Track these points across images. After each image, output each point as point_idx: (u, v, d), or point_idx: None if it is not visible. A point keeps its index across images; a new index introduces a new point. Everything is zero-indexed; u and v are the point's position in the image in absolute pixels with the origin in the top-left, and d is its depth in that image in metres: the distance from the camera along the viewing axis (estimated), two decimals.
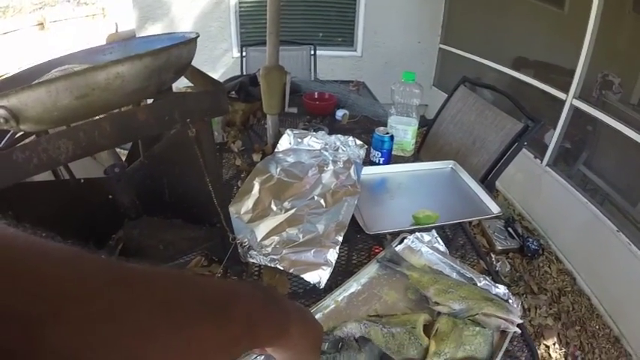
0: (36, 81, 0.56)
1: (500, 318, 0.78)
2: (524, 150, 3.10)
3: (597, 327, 2.24)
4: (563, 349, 2.10)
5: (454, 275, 0.95)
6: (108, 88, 0.57)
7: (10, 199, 0.66)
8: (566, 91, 2.82)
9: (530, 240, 2.70)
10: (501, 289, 0.89)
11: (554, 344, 2.12)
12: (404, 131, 1.56)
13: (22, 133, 0.67)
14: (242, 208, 1.21)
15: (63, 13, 8.32)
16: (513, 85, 3.50)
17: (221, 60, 4.58)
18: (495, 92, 2.03)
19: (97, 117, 0.63)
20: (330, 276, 0.97)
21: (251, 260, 1.03)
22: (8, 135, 0.69)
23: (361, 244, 1.12)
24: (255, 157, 1.57)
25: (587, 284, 2.50)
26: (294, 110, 1.58)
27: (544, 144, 3.04)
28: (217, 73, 4.49)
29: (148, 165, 0.98)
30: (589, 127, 2.83)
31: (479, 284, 0.90)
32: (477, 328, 0.78)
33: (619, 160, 2.67)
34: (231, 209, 1.21)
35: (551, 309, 2.34)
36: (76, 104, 0.55)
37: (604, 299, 2.36)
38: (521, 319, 0.82)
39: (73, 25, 8.24)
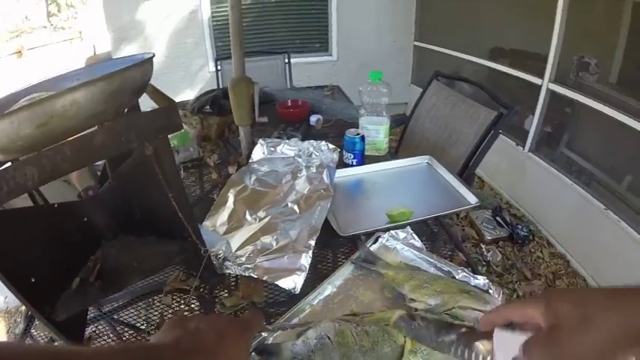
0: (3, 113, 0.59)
1: (478, 310, 0.77)
2: (505, 138, 3.17)
3: None
4: None
5: (431, 270, 0.93)
6: (65, 115, 0.60)
7: None
8: (541, 76, 2.84)
9: (520, 227, 2.70)
10: (481, 280, 0.87)
11: None
12: (376, 131, 1.55)
13: None
14: (217, 221, 1.21)
15: (40, 40, 8.27)
16: (491, 76, 3.53)
17: (198, 75, 4.58)
18: (471, 84, 2.02)
19: (59, 143, 0.64)
20: (308, 281, 0.97)
21: (227, 271, 1.03)
22: None
23: (338, 248, 1.11)
24: (231, 169, 1.57)
25: (581, 265, 2.50)
26: (265, 120, 1.58)
27: (525, 130, 3.06)
28: (195, 89, 4.49)
29: (117, 185, 0.98)
30: (568, 109, 2.83)
31: (457, 277, 0.89)
32: (456, 322, 0.77)
33: (601, 140, 2.67)
34: (207, 223, 1.22)
35: None
36: (37, 133, 0.58)
37: (599, 278, 2.37)
38: None
39: (52, 50, 8.19)
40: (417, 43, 4.76)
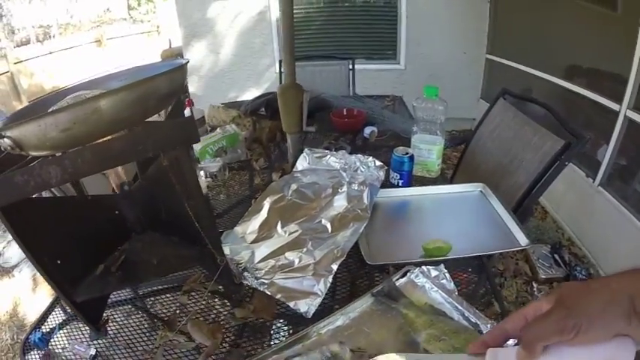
0: (50, 109, 0.71)
1: None
2: (574, 168, 2.94)
3: None
4: None
5: (458, 318, 0.84)
6: (87, 122, 0.65)
7: (16, 214, 0.74)
8: (619, 101, 2.58)
9: (579, 269, 2.48)
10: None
11: None
12: (428, 151, 1.46)
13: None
14: (248, 228, 1.19)
15: (119, 31, 8.76)
16: (564, 96, 3.26)
17: (265, 75, 4.62)
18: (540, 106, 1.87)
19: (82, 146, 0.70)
20: (323, 306, 0.92)
21: (245, 282, 1.02)
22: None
23: (363, 276, 1.04)
24: (275, 175, 1.55)
25: None
26: (313, 129, 1.54)
27: (597, 161, 2.80)
28: (261, 88, 4.54)
29: (146, 185, 1.02)
30: None
31: (484, 331, 0.79)
32: None
33: None
34: (238, 229, 1.20)
35: None
36: (62, 136, 0.64)
37: None
38: None
39: (130, 41, 8.64)
40: (488, 56, 4.53)
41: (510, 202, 1.58)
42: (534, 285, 2.44)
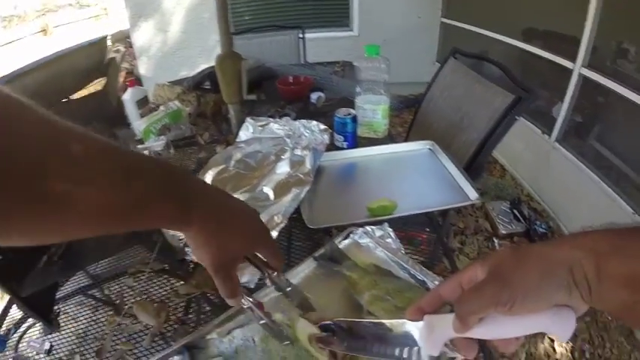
0: None
1: None
2: (531, 125, 2.95)
3: (609, 318, 2.03)
4: (570, 344, 1.91)
5: (404, 277, 0.80)
6: None
7: None
8: (573, 59, 2.60)
9: (538, 223, 2.51)
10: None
11: None
12: (372, 111, 1.41)
13: None
14: None
15: (65, 18, 8.36)
16: (521, 58, 3.28)
17: (216, 50, 4.44)
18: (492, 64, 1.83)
19: None
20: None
21: (187, 257, 0.98)
22: None
23: (306, 241, 0.99)
24: (219, 148, 1.49)
25: None
26: (254, 97, 1.48)
27: (552, 118, 2.83)
28: (212, 63, 4.38)
29: None
30: (601, 98, 2.59)
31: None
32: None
33: (635, 135, 2.43)
34: None
35: None
36: None
37: None
38: None
39: (77, 28, 8.27)
40: (444, 20, 4.52)
41: (463, 158, 1.56)
42: (495, 240, 2.46)
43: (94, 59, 0.70)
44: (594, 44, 2.49)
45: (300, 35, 2.96)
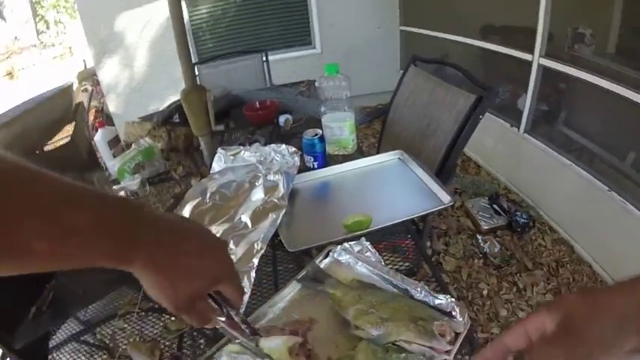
0: None
1: (423, 345, 0.66)
2: (499, 120, 3.02)
3: None
4: None
5: (387, 288, 0.82)
6: None
7: None
8: (531, 51, 2.67)
9: (519, 214, 2.55)
10: (443, 300, 0.75)
11: None
12: (339, 128, 1.43)
13: None
14: None
15: (30, 59, 8.30)
16: (482, 56, 3.37)
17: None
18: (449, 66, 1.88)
19: None
20: (251, 303, 0.88)
21: None
22: None
23: (288, 264, 1.01)
24: (194, 181, 1.49)
25: (585, 251, 2.36)
26: (222, 128, 1.50)
27: (519, 110, 2.90)
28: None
29: None
30: (563, 85, 2.68)
31: (416, 296, 0.78)
32: (402, 355, 0.66)
33: (601, 116, 2.50)
34: None
35: (549, 284, 2.20)
36: None
37: (605, 264, 2.22)
38: (466, 329, 0.70)
39: (42, 69, 8.21)
40: (403, 28, 4.60)
41: (434, 163, 1.59)
42: (479, 237, 2.49)
43: (61, 108, 0.71)
44: (550, 33, 2.57)
45: (264, 58, 3.00)
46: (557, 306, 0.44)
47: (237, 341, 0.65)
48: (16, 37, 9.42)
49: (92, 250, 0.44)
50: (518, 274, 2.27)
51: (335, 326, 0.76)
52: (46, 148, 0.76)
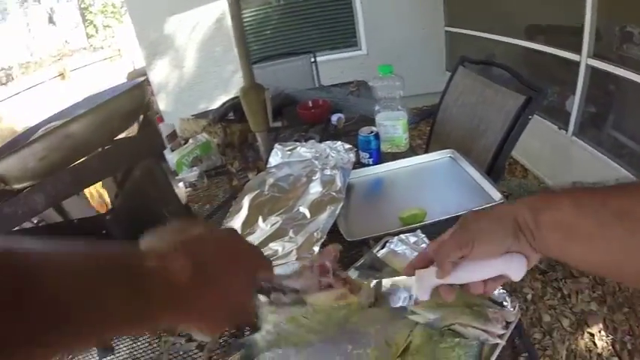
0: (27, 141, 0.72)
1: (478, 328, 0.70)
2: (546, 121, 2.99)
3: None
4: (611, 336, 1.90)
5: None
6: (61, 148, 0.71)
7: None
8: (578, 51, 2.63)
9: None
10: (495, 291, 0.80)
11: (599, 331, 1.92)
12: (393, 127, 1.49)
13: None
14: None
15: (81, 61, 8.67)
16: (528, 56, 3.32)
17: (231, 81, 4.61)
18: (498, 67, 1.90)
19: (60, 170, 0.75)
20: None
21: None
22: None
23: (347, 253, 1.06)
24: (251, 175, 1.57)
25: None
26: (279, 124, 1.57)
27: (566, 112, 2.86)
28: (230, 94, 4.50)
29: (126, 200, 1.04)
30: (612, 86, 2.62)
31: None
32: (456, 340, 0.70)
33: None
34: None
35: (594, 292, 2.14)
36: (40, 165, 0.69)
37: None
38: (514, 321, 0.74)
39: (93, 70, 8.57)
40: (447, 29, 4.57)
41: (483, 163, 1.62)
42: None
43: (137, 100, 0.79)
44: (597, 32, 2.52)
45: (313, 59, 3.07)
46: (459, 220, 0.59)
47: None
48: (66, 41, 9.83)
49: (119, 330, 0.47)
50: (563, 280, 2.24)
51: (389, 311, 0.80)
52: (122, 135, 0.85)
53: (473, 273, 0.56)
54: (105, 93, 1.02)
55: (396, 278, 0.66)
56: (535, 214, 0.51)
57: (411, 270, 0.63)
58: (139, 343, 0.97)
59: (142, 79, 0.90)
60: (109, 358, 0.95)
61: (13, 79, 7.79)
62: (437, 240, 0.62)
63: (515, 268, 0.55)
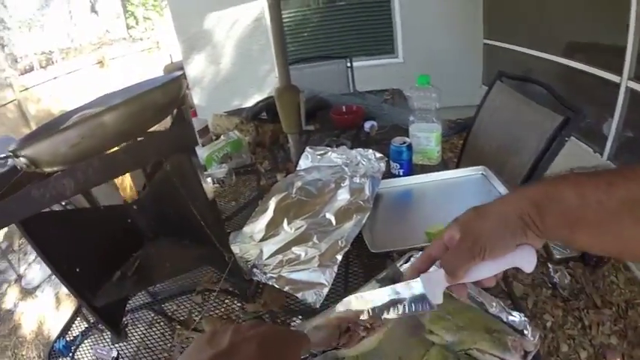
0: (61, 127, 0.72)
1: (496, 357, 0.69)
2: (581, 144, 2.92)
3: None
4: None
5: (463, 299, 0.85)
6: (94, 136, 0.70)
7: (35, 227, 0.80)
8: (619, 72, 2.56)
9: None
10: (517, 318, 0.77)
11: None
12: (426, 138, 1.47)
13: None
14: (256, 228, 1.22)
15: (120, 51, 8.88)
16: (565, 74, 3.25)
17: (266, 81, 4.66)
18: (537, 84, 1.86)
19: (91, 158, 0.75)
20: (335, 295, 0.95)
21: (254, 278, 1.05)
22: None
23: (371, 264, 1.06)
24: (279, 176, 1.57)
25: None
26: (311, 128, 1.57)
27: (603, 135, 2.79)
28: (263, 94, 4.57)
29: (153, 192, 1.07)
30: None
31: (490, 310, 0.80)
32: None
33: None
34: (246, 229, 1.23)
35: (616, 325, 2.07)
36: (72, 151, 0.69)
37: None
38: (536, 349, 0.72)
39: (131, 60, 8.77)
40: (486, 41, 4.52)
41: (515, 181, 1.59)
42: (550, 266, 2.41)
43: (173, 93, 0.80)
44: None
45: (348, 64, 3.07)
46: (460, 220, 0.57)
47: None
48: (107, 31, 10.08)
49: None
50: (585, 310, 2.17)
51: (408, 328, 0.80)
52: (155, 128, 0.86)
53: (485, 271, 0.56)
54: (142, 85, 1.03)
55: (397, 286, 0.63)
56: (539, 210, 0.51)
57: (414, 273, 0.62)
58: (150, 335, 1.00)
59: (180, 73, 0.90)
60: (121, 345, 0.97)
61: (53, 63, 8.01)
62: (439, 239, 0.60)
63: (527, 261, 0.55)
